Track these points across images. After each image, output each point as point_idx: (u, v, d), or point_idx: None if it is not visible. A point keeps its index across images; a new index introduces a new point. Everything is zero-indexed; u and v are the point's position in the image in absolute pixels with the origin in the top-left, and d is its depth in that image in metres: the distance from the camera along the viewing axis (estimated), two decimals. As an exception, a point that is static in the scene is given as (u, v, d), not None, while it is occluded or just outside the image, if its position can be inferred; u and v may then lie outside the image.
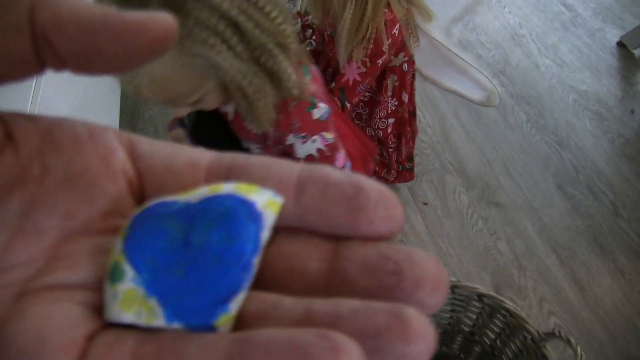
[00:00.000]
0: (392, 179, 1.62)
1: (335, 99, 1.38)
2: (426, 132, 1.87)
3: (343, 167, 0.95)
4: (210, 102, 0.78)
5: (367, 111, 1.49)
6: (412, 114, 1.56)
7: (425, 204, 1.69)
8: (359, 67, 1.29)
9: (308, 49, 1.52)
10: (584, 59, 2.07)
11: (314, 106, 0.87)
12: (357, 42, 1.22)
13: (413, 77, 1.47)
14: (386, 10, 1.20)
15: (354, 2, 1.17)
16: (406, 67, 1.38)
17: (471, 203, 1.68)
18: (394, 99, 1.44)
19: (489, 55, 2.11)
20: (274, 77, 0.74)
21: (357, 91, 1.33)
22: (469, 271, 1.53)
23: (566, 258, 1.54)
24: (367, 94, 1.44)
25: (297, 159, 0.89)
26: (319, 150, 0.90)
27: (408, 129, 1.53)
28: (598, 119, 1.87)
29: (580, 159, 1.76)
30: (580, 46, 2.12)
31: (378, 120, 1.48)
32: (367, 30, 1.19)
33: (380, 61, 1.27)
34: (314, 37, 1.48)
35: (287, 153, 0.92)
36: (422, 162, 1.79)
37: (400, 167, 1.62)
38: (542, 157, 1.78)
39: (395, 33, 1.22)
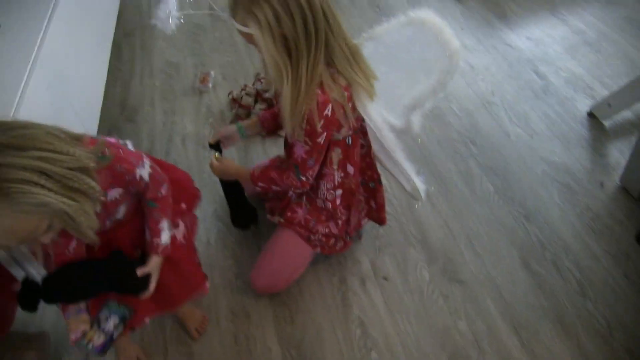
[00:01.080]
0: (339, 248, 1.60)
1: (291, 173, 1.39)
2: (391, 202, 1.84)
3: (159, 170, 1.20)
4: (56, 230, 0.94)
5: (315, 183, 1.47)
6: (378, 181, 1.55)
7: (385, 278, 1.65)
8: (303, 146, 1.30)
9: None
10: (555, 128, 2.06)
11: (126, 144, 1.15)
12: (296, 121, 1.23)
13: (363, 147, 1.46)
14: (319, 91, 1.21)
15: (289, 82, 1.19)
16: (350, 141, 1.38)
17: (433, 279, 1.63)
18: (340, 171, 1.43)
19: (459, 124, 2.11)
20: (85, 193, 0.92)
21: (307, 166, 1.35)
22: (426, 352, 1.47)
23: (528, 340, 1.49)
24: None
25: (146, 182, 1.14)
26: (151, 166, 1.15)
27: (357, 198, 1.51)
28: (567, 191, 1.84)
29: (546, 233, 1.73)
30: (551, 115, 2.12)
31: (325, 192, 1.47)
32: (301, 108, 1.20)
33: (320, 140, 1.27)
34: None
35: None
36: (385, 234, 1.76)
37: (348, 238, 1.59)
38: (508, 230, 1.74)
39: (327, 114, 1.23)
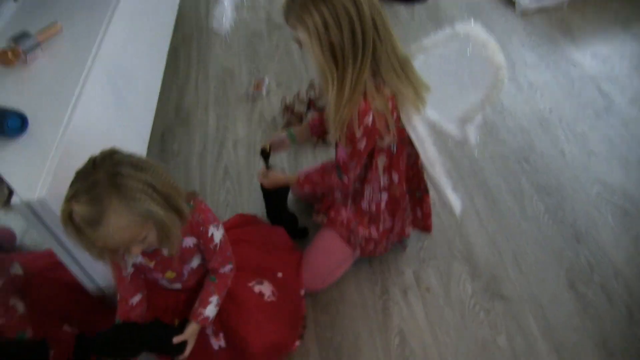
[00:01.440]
0: (379, 252, 1.67)
1: (334, 174, 1.48)
2: (439, 215, 1.86)
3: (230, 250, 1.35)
4: (152, 239, 1.11)
5: (360, 186, 1.54)
6: (425, 190, 1.59)
7: (428, 290, 1.68)
8: (344, 149, 1.37)
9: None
10: (615, 149, 2.01)
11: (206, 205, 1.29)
12: (338, 127, 1.30)
13: (409, 157, 1.49)
14: (362, 100, 1.27)
15: (334, 89, 1.27)
16: (395, 149, 1.42)
17: (475, 293, 1.65)
18: (385, 176, 1.48)
19: (514, 141, 2.10)
20: (178, 213, 1.12)
21: (348, 168, 1.42)
22: (463, 366, 1.49)
23: (569, 362, 1.47)
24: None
25: (214, 246, 1.29)
26: (223, 235, 1.31)
27: (402, 207, 1.55)
28: (622, 214, 1.80)
29: (597, 256, 1.70)
30: (612, 135, 2.07)
31: (371, 194, 1.51)
32: (343, 114, 1.27)
33: (360, 146, 1.33)
34: None
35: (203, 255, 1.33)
36: (430, 246, 1.79)
37: (388, 244, 1.63)
38: (556, 251, 1.72)
39: (367, 123, 1.29)
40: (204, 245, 1.30)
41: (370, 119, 1.29)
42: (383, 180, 1.50)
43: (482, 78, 1.37)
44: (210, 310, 1.32)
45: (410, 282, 1.70)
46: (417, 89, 1.33)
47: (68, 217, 1.02)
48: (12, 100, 1.47)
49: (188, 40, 3.03)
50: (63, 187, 1.33)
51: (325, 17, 1.19)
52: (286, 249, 1.67)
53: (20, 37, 1.66)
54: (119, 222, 1.01)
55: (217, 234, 1.28)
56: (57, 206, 1.27)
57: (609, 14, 2.69)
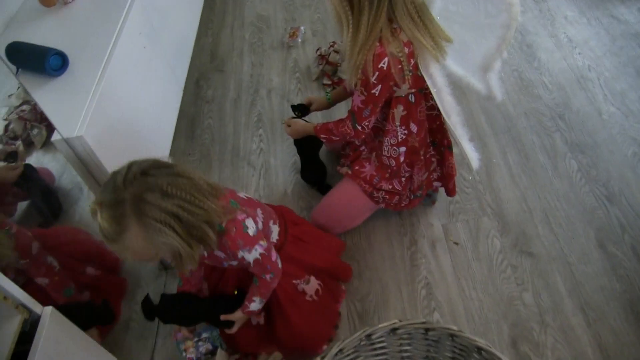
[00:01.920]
0: (404, 205, 1.66)
1: (348, 122, 1.47)
2: (470, 170, 1.85)
3: (275, 260, 1.33)
4: (167, 258, 1.11)
5: (378, 139, 1.53)
6: (449, 147, 1.57)
7: (456, 243, 1.68)
8: (359, 95, 1.36)
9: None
10: (654, 110, 1.96)
11: (247, 227, 1.22)
12: (353, 71, 1.29)
13: (431, 109, 1.47)
14: (377, 43, 1.25)
15: (350, 33, 1.26)
16: (413, 99, 1.40)
17: (503, 249, 1.65)
18: (403, 128, 1.46)
19: (549, 97, 2.05)
20: (202, 241, 1.10)
21: (362, 116, 1.42)
22: (488, 319, 1.51)
23: (594, 321, 1.48)
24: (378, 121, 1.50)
25: (249, 264, 1.27)
26: (261, 254, 1.26)
27: (421, 157, 1.54)
28: (657, 176, 1.77)
29: (629, 217, 1.68)
30: (653, 96, 2.01)
31: (389, 148, 1.51)
32: (357, 58, 1.26)
33: (375, 91, 1.32)
34: None
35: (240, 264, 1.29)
36: (460, 200, 1.78)
37: (412, 196, 1.63)
38: (587, 210, 1.71)
39: (382, 66, 1.27)
40: (240, 263, 1.29)
41: (386, 63, 1.28)
42: (400, 133, 1.47)
43: (497, 18, 1.31)
44: (255, 306, 1.37)
45: (439, 234, 1.71)
46: (435, 37, 1.30)
47: (94, 215, 1.03)
48: (53, 39, 1.48)
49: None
50: (100, 126, 1.35)
51: None
52: (338, 254, 1.66)
53: (58, -25, 1.64)
54: (133, 245, 1.03)
55: (248, 256, 1.24)
56: (94, 144, 1.30)
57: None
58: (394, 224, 1.76)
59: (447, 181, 1.63)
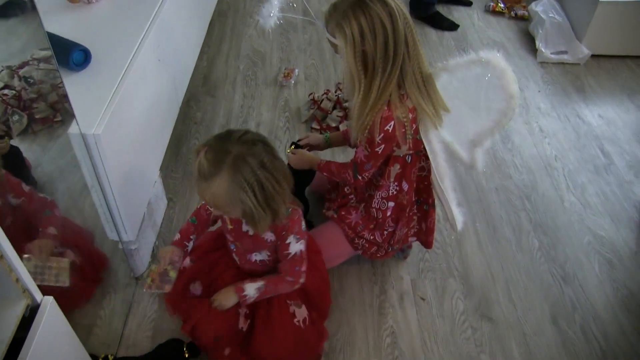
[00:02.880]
0: (379, 255, 1.74)
1: (350, 170, 1.57)
2: (442, 232, 1.96)
3: (305, 269, 1.41)
4: (238, 215, 1.28)
5: (368, 193, 1.64)
6: (432, 205, 1.67)
7: (423, 299, 1.76)
8: (363, 151, 1.47)
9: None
10: (608, 205, 2.15)
11: (302, 218, 1.35)
12: (360, 128, 1.40)
13: (422, 170, 1.59)
14: (385, 107, 1.36)
15: (361, 94, 1.36)
16: (410, 159, 1.52)
17: (466, 310, 1.74)
18: (395, 184, 1.57)
19: (519, 178, 2.22)
20: (273, 213, 1.24)
21: (364, 168, 1.52)
22: (447, 375, 1.58)
23: (543, 390, 1.58)
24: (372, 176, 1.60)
25: (288, 253, 1.36)
26: (301, 250, 1.37)
27: (406, 215, 1.64)
28: (608, 265, 1.93)
29: (580, 298, 1.82)
30: (608, 193, 2.21)
31: (379, 200, 1.61)
32: (366, 119, 1.37)
33: (378, 149, 1.43)
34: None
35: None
36: (430, 259, 1.88)
37: (389, 249, 1.72)
38: (544, 286, 1.84)
39: (388, 129, 1.39)
40: (279, 248, 1.38)
41: (391, 126, 1.38)
42: (392, 188, 1.58)
43: (496, 104, 1.45)
44: (250, 288, 1.39)
45: (408, 288, 1.79)
46: (436, 106, 1.43)
47: (196, 153, 1.21)
48: (74, 34, 1.50)
49: (224, 16, 3.08)
50: (116, 126, 1.37)
51: (362, 27, 1.29)
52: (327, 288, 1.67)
53: (86, -24, 1.69)
54: (217, 190, 1.17)
55: (294, 245, 1.35)
56: (107, 144, 1.31)
57: (619, 82, 2.86)
58: (366, 272, 1.82)
59: (427, 235, 1.72)
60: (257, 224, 1.24)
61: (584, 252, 1.96)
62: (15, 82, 1.68)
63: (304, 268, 1.39)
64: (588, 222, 2.07)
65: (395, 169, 1.54)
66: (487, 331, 1.69)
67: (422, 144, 1.49)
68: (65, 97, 1.24)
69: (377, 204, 1.62)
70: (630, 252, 1.99)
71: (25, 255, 1.40)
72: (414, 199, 1.66)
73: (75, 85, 1.39)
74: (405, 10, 1.33)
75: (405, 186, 1.58)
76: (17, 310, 0.96)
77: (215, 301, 1.41)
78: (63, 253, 1.58)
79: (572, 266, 1.91)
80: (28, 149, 1.81)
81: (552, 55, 2.90)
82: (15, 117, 1.77)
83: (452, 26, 3.12)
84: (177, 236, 1.47)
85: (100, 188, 1.39)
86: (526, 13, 3.27)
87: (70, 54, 1.41)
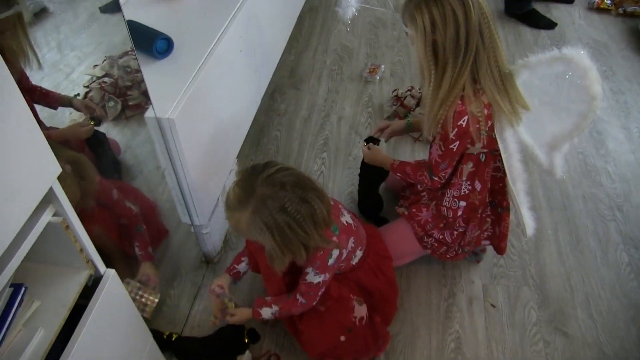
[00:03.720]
0: (449, 256, 1.68)
1: (425, 172, 1.53)
2: (520, 238, 1.87)
3: (317, 296, 1.41)
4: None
5: (441, 191, 1.58)
6: (507, 209, 1.60)
7: (493, 305, 1.69)
8: (437, 150, 1.42)
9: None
10: None
11: (331, 256, 1.33)
12: (433, 125, 1.36)
13: (497, 170, 1.52)
14: (459, 101, 1.31)
15: (432, 86, 1.33)
16: (484, 158, 1.46)
17: (539, 322, 1.65)
18: (468, 183, 1.51)
19: (611, 187, 2.06)
20: (292, 255, 1.26)
21: (439, 168, 1.47)
22: (512, 387, 1.51)
23: (619, 415, 1.46)
24: None
25: (305, 281, 1.37)
26: (318, 282, 1.37)
27: (478, 216, 1.58)
28: None
29: (672, 321, 1.67)
30: None
31: (451, 199, 1.55)
32: (437, 112, 1.33)
33: (453, 147, 1.38)
34: None
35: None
36: (505, 265, 1.80)
37: (460, 250, 1.66)
38: (632, 305, 1.70)
39: (462, 124, 1.33)
40: (301, 277, 1.41)
41: (465, 121, 1.33)
42: (464, 187, 1.52)
43: (577, 105, 1.36)
44: (266, 313, 1.47)
45: (478, 293, 1.73)
46: (513, 103, 1.35)
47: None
48: (161, 24, 1.59)
49: (315, 11, 3.13)
50: (190, 113, 1.44)
51: (434, 16, 1.25)
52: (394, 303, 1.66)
53: (180, -27, 1.79)
54: (238, 224, 1.25)
55: (312, 277, 1.36)
56: (182, 129, 1.38)
57: None
58: (436, 273, 1.78)
59: (500, 240, 1.65)
60: (274, 262, 1.29)
61: (681, 271, 1.80)
62: (115, 71, 1.81)
63: (319, 292, 1.41)
64: (688, 239, 1.89)
65: (468, 167, 1.48)
66: (560, 346, 1.60)
67: (497, 142, 1.42)
68: (142, 82, 1.31)
69: (449, 202, 1.57)
70: None
71: (127, 279, 1.58)
72: (487, 200, 1.60)
73: (156, 72, 1.48)
74: (483, 2, 1.27)
75: (478, 186, 1.52)
76: (80, 279, 1.04)
77: (235, 316, 1.51)
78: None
79: (665, 285, 1.76)
80: (120, 133, 1.95)
81: (662, 56, 2.66)
82: (111, 103, 1.91)
83: (550, 24, 2.96)
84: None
85: (174, 171, 1.47)
86: (638, 9, 3.02)
87: (154, 43, 1.49)
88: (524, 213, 1.49)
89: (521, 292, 1.73)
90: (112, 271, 1.14)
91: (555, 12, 3.09)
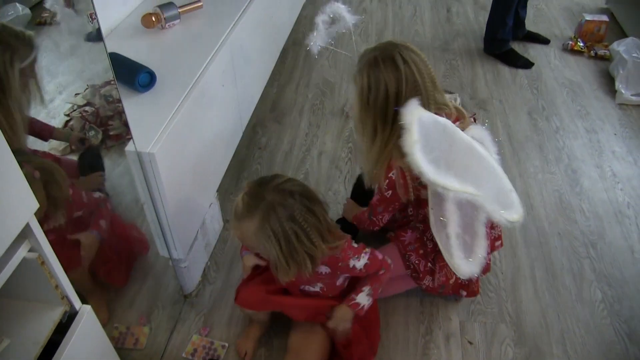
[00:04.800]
0: (424, 287, 1.72)
1: (366, 212, 1.66)
2: (497, 275, 1.89)
3: (383, 258, 1.46)
4: (264, 256, 1.37)
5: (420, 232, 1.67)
6: None
7: (470, 343, 1.70)
8: (376, 194, 1.57)
9: None
10: (685, 261, 2.00)
11: (352, 244, 1.41)
12: (368, 177, 1.54)
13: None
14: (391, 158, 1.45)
15: (366, 143, 1.49)
16: None
17: (515, 359, 1.66)
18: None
19: (585, 225, 2.11)
20: (297, 266, 1.28)
21: (377, 211, 1.60)
22: None
23: None
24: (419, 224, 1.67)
25: (360, 271, 1.41)
26: (369, 258, 1.41)
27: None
28: (680, 326, 1.79)
29: (645, 359, 1.69)
30: (686, 247, 2.05)
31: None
32: (372, 169, 1.49)
33: (387, 194, 1.52)
34: None
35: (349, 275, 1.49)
36: (482, 302, 1.81)
37: (434, 283, 1.69)
38: (605, 342, 1.72)
39: (392, 176, 1.48)
40: (350, 273, 1.46)
41: (395, 174, 1.47)
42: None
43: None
44: (362, 298, 1.46)
45: (455, 330, 1.73)
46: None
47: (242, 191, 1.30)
48: (145, 57, 1.61)
49: (298, 45, 3.18)
50: (173, 147, 1.45)
51: (370, 81, 1.41)
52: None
53: (166, 5, 1.83)
54: (246, 232, 1.27)
55: (358, 263, 1.40)
56: (163, 163, 1.39)
57: None
58: (414, 310, 1.79)
59: (475, 283, 1.68)
60: (278, 272, 1.30)
61: (654, 310, 1.83)
62: (97, 100, 1.82)
63: (380, 257, 1.45)
64: (660, 277, 1.93)
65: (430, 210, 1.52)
66: (537, 384, 1.61)
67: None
68: (123, 113, 1.33)
69: (430, 235, 1.60)
70: None
71: (115, 325, 1.60)
72: None
73: (138, 105, 1.50)
74: (424, 79, 1.41)
75: None
76: (55, 316, 1.03)
77: (332, 323, 1.50)
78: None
79: (639, 324, 1.78)
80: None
81: (633, 97, 2.76)
82: (92, 132, 1.92)
83: (527, 64, 3.05)
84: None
85: (153, 205, 1.47)
86: (607, 52, 3.14)
87: (137, 76, 1.51)
88: (455, 257, 1.41)
89: (498, 329, 1.74)
90: (88, 307, 1.13)
91: (533, 52, 3.19)
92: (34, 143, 1.52)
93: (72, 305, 1.10)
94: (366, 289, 1.47)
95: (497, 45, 3.10)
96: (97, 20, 1.26)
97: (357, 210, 1.81)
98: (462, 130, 1.38)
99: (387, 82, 1.39)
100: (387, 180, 1.49)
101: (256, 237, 1.24)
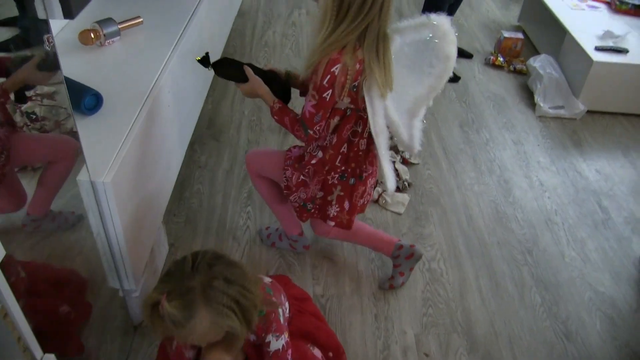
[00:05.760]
0: (294, 204, 1.77)
1: (300, 127, 1.56)
2: (445, 287, 1.96)
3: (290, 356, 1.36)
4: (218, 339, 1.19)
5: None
6: (360, 177, 1.67)
7: (427, 355, 1.75)
8: (310, 101, 1.49)
9: None
10: (607, 261, 2.17)
11: (280, 315, 1.32)
12: (310, 67, 1.46)
13: (354, 135, 1.59)
14: (337, 51, 1.41)
15: (324, 32, 1.43)
16: (349, 113, 1.54)
17: (470, 368, 1.73)
18: (332, 136, 1.59)
19: (521, 232, 2.24)
20: (250, 325, 1.17)
21: (314, 121, 1.52)
22: None
23: None
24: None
25: (269, 351, 1.31)
26: (283, 344, 1.32)
27: (323, 172, 1.64)
28: (609, 322, 1.94)
29: (583, 356, 1.81)
30: (607, 248, 2.23)
31: (314, 146, 1.64)
32: (319, 55, 1.42)
33: (325, 95, 1.46)
34: None
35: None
36: (433, 314, 1.87)
37: (302, 203, 1.74)
38: (547, 343, 1.83)
39: (334, 71, 1.42)
40: (262, 345, 1.34)
41: (337, 69, 1.42)
42: (328, 139, 1.60)
43: (435, 70, 1.50)
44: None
45: (411, 343, 1.78)
46: (386, 75, 1.46)
47: (152, 305, 1.09)
48: (88, 77, 1.53)
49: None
50: (126, 175, 1.38)
51: None
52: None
53: (105, 21, 1.75)
54: (199, 329, 1.11)
55: (274, 343, 1.32)
56: (117, 193, 1.32)
57: (613, 138, 2.93)
58: (370, 325, 1.82)
59: (350, 214, 1.72)
60: (233, 346, 1.20)
61: (586, 309, 1.97)
62: (17, 118, 1.69)
63: (289, 354, 1.36)
64: (589, 278, 2.09)
65: (334, 121, 1.55)
66: (491, 389, 1.68)
67: (364, 102, 1.49)
68: (76, 141, 1.25)
69: (311, 148, 1.64)
70: (630, 309, 2.00)
71: None
72: (338, 165, 1.63)
73: (85, 129, 1.40)
74: None
75: (334, 140, 1.59)
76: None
77: None
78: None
79: (574, 323, 1.91)
80: (27, 185, 1.81)
81: (550, 110, 2.97)
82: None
83: (454, 78, 3.20)
84: None
85: (106, 236, 1.39)
86: (524, 67, 3.36)
87: (82, 99, 1.43)
88: (385, 166, 1.59)
89: (451, 339, 1.81)
90: (52, 356, 1.05)
91: (458, 66, 3.35)
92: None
93: (33, 356, 1.03)
94: None
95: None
96: (54, 45, 1.16)
97: (267, 95, 1.64)
98: None
99: None
100: (329, 76, 1.42)
101: (213, 324, 1.11)
